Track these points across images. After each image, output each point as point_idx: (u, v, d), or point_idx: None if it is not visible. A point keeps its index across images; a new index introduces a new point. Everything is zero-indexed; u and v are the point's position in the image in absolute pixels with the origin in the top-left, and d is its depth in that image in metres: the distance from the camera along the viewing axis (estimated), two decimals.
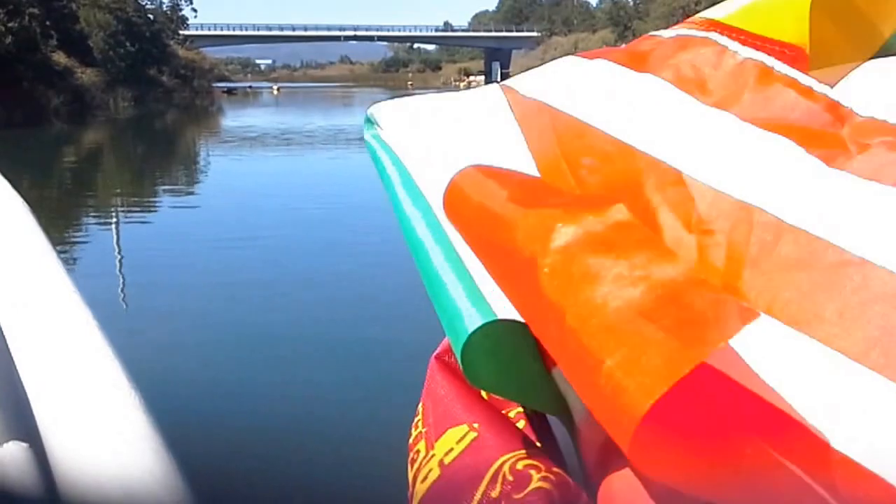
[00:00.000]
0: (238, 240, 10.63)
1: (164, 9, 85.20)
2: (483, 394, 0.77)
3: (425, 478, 0.72)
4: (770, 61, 0.68)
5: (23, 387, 0.60)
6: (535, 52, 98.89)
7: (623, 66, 0.78)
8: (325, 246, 10.58)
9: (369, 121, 0.89)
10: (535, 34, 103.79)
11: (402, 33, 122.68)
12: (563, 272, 0.60)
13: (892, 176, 0.54)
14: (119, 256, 10.22)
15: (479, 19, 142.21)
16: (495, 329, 0.64)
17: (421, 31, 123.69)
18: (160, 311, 7.35)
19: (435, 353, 0.82)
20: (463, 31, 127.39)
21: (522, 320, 0.64)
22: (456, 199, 0.71)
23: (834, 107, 0.63)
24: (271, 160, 24.68)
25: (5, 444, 1.07)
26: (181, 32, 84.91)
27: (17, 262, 0.81)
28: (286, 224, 12.11)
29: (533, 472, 0.67)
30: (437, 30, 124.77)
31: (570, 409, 0.68)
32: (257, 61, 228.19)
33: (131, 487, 0.48)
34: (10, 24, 39.85)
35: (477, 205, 0.68)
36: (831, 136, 0.60)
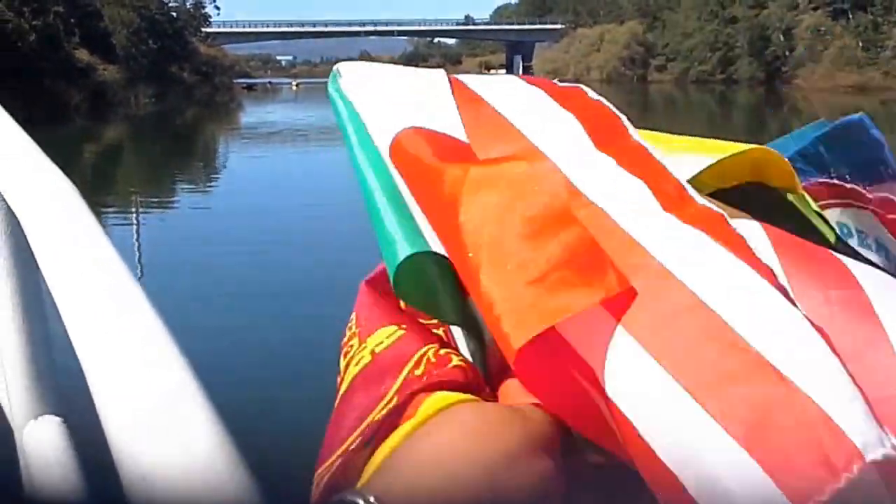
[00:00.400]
0: (258, 242, 10.20)
1: (188, 6, 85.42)
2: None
3: (357, 363, 0.83)
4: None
5: (77, 362, 0.65)
6: (559, 44, 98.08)
7: (552, 97, 0.90)
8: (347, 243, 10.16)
9: (335, 76, 0.98)
10: (559, 26, 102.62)
11: (422, 27, 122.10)
12: (473, 217, 0.75)
13: (704, 227, 0.71)
14: (138, 254, 9.83)
15: (501, 12, 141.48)
16: (423, 258, 0.79)
17: (441, 24, 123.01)
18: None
19: (365, 279, 0.92)
20: (484, 23, 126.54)
21: (445, 254, 0.79)
22: (399, 151, 0.85)
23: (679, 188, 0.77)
24: (291, 156, 24.35)
25: (39, 418, 1.18)
26: (203, 30, 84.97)
27: (69, 242, 0.86)
28: (303, 225, 11.67)
29: (453, 355, 0.79)
30: (457, 23, 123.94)
31: (480, 328, 0.82)
32: (278, 58, 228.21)
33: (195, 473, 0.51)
34: (34, 22, 39.74)
35: (414, 157, 0.83)
36: (675, 195, 0.76)
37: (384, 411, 0.74)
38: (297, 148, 27.19)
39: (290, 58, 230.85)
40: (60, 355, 1.07)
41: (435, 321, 0.86)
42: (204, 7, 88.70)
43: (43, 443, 1.16)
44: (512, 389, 0.77)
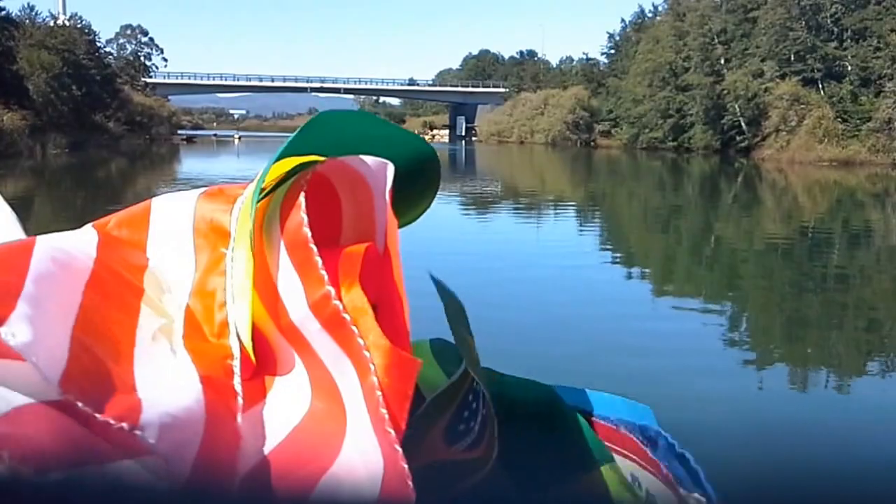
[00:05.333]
0: None
1: (126, 54, 76.70)
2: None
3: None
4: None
5: None
6: (502, 107, 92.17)
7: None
8: None
9: None
10: (501, 90, 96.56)
11: (368, 86, 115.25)
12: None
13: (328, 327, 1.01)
14: None
15: (443, 76, 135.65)
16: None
17: (387, 84, 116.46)
18: None
19: None
20: (428, 86, 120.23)
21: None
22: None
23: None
24: None
25: None
26: (144, 80, 76.24)
27: None
28: None
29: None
30: (402, 84, 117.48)
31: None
32: (231, 111, 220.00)
33: None
34: None
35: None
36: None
37: None
38: None
39: (242, 111, 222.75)
40: None
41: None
42: (150, 57, 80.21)
43: None
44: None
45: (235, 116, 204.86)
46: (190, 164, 47.43)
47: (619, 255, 15.44)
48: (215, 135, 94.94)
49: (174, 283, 1.14)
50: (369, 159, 1.14)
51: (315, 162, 1.13)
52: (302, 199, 1.06)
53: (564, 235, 17.42)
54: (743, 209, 25.70)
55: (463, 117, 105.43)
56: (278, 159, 1.12)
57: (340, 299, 1.00)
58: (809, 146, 46.56)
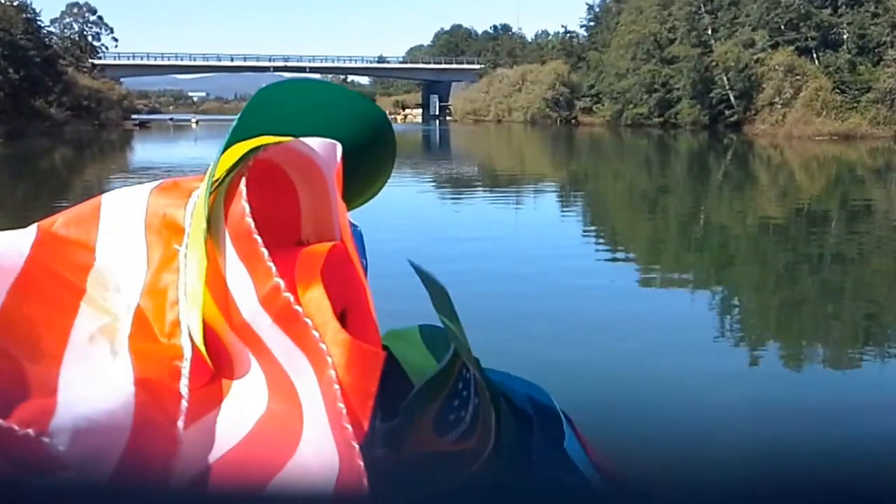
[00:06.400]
0: None
1: (71, 34, 71.92)
2: None
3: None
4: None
5: None
6: (477, 84, 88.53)
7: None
8: None
9: None
10: (476, 67, 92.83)
11: (336, 64, 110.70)
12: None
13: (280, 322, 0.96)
14: None
15: (415, 53, 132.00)
16: None
17: (356, 62, 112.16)
18: None
19: None
20: (399, 63, 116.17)
21: None
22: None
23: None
24: None
25: None
26: (91, 61, 71.51)
27: None
28: None
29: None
30: (371, 62, 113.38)
31: None
32: (190, 94, 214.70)
33: None
34: None
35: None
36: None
37: None
38: None
39: (202, 94, 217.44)
40: None
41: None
42: (93, 36, 75.36)
43: None
44: None
45: (195, 99, 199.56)
46: (144, 151, 44.55)
47: (602, 240, 14.79)
48: (171, 119, 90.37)
49: (125, 281, 1.09)
50: (316, 141, 1.09)
51: (260, 148, 1.07)
52: (243, 186, 1.01)
53: (546, 221, 16.49)
54: (736, 189, 23.90)
55: (436, 96, 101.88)
56: (227, 147, 1.08)
57: (294, 293, 0.96)
58: (807, 119, 43.30)
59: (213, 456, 0.92)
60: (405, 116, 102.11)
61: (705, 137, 48.78)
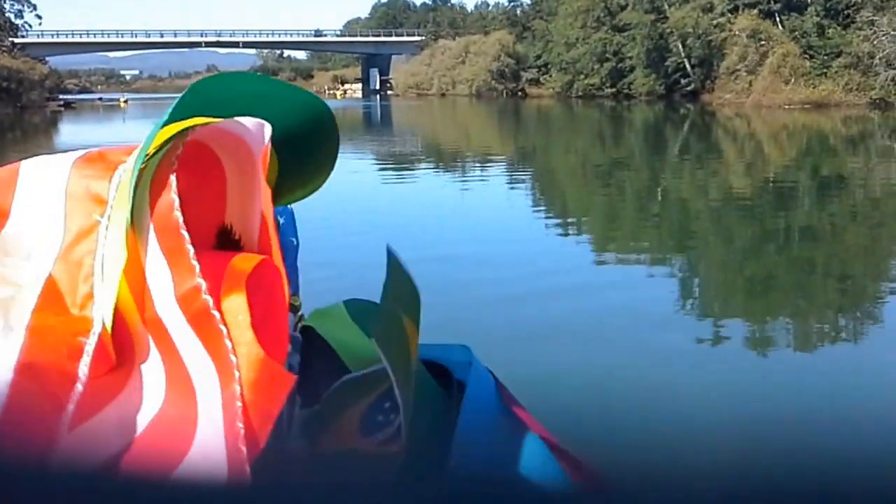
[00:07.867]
0: None
1: None
2: None
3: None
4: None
5: None
6: (419, 57, 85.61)
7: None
8: None
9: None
10: (416, 39, 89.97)
11: (270, 38, 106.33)
12: None
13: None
14: None
15: (352, 26, 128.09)
16: None
17: (292, 36, 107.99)
18: None
19: None
20: (336, 37, 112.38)
21: None
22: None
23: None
24: None
25: None
26: (11, 40, 66.68)
27: None
28: None
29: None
30: (308, 36, 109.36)
31: None
32: (122, 72, 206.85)
33: None
34: None
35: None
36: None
37: None
38: None
39: (135, 72, 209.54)
40: None
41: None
42: (15, 14, 70.37)
43: None
44: None
45: (128, 77, 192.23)
46: (70, 133, 41.09)
47: (554, 219, 13.67)
48: (101, 98, 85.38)
49: (37, 248, 1.03)
50: (247, 120, 1.05)
51: (193, 127, 1.04)
52: (173, 178, 0.98)
53: (494, 201, 15.13)
54: (698, 161, 22.30)
55: (376, 70, 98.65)
56: (165, 124, 1.03)
57: (216, 298, 0.93)
58: (775, 87, 41.65)
59: (98, 456, 0.88)
60: (344, 92, 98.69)
61: (661, 108, 47.22)
